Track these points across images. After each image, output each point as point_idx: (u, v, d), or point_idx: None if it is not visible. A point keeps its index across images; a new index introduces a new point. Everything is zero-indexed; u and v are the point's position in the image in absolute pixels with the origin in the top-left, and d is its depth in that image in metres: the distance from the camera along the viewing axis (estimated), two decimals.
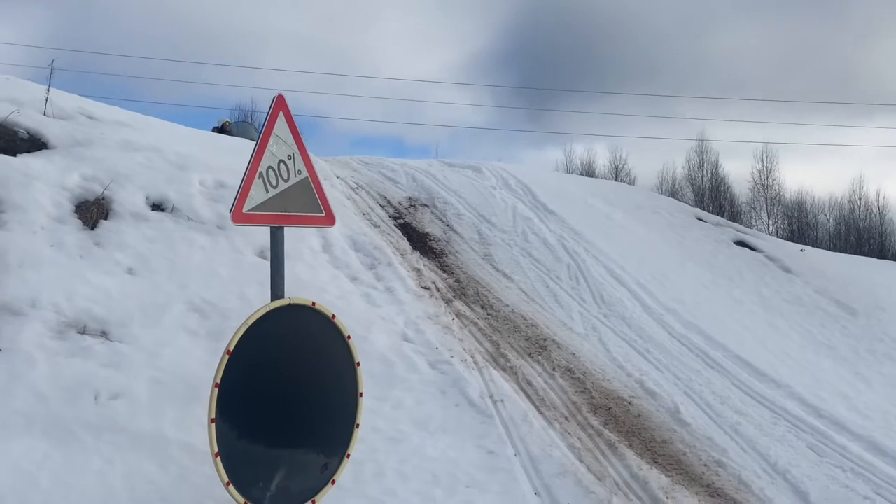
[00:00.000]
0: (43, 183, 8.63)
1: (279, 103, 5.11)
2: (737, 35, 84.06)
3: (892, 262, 22.22)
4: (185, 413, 6.23)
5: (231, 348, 4.57)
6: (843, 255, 21.72)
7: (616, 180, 51.47)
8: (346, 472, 6.03)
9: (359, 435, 6.55)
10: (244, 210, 4.90)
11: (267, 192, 5.03)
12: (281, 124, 5.12)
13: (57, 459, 5.52)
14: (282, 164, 5.13)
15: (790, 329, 11.34)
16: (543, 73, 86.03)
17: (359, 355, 7.85)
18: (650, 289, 11.35)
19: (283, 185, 5.13)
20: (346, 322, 8.36)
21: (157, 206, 9.29)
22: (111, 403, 6.18)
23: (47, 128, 9.97)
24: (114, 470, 5.51)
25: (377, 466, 6.26)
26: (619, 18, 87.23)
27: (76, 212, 8.58)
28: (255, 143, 5.08)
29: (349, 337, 5.34)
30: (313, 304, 5.18)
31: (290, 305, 5.02)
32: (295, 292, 8.63)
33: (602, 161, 60.94)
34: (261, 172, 4.99)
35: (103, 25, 76.61)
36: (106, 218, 8.72)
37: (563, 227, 13.45)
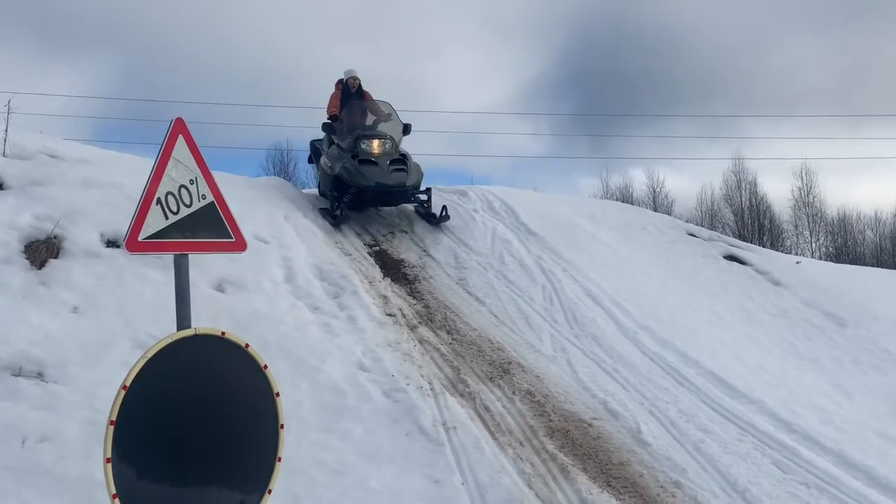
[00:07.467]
0: None
1: (177, 126, 4.92)
2: (797, 50, 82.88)
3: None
4: None
5: (127, 384, 4.37)
6: (842, 265, 21.33)
7: (654, 204, 51.27)
8: None
9: (300, 469, 6.39)
10: (140, 238, 4.71)
11: (167, 218, 4.83)
12: (181, 148, 4.93)
13: None
14: (183, 190, 4.93)
15: (771, 342, 11.04)
16: (600, 99, 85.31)
17: (310, 386, 7.74)
18: (626, 307, 11.05)
19: (185, 211, 4.93)
20: (301, 353, 8.24)
21: (112, 243, 9.12)
22: (38, 446, 5.98)
23: (2, 168, 9.84)
24: None
25: (316, 501, 6.03)
26: (676, 39, 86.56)
27: (24, 252, 8.43)
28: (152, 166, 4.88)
29: (266, 366, 5.09)
30: (223, 333, 4.95)
31: (195, 336, 4.80)
32: (249, 324, 8.49)
33: (639, 185, 60.17)
34: (158, 198, 4.79)
35: (168, 73, 76.51)
36: (56, 257, 8.56)
37: (543, 247, 13.18)
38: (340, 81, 15.23)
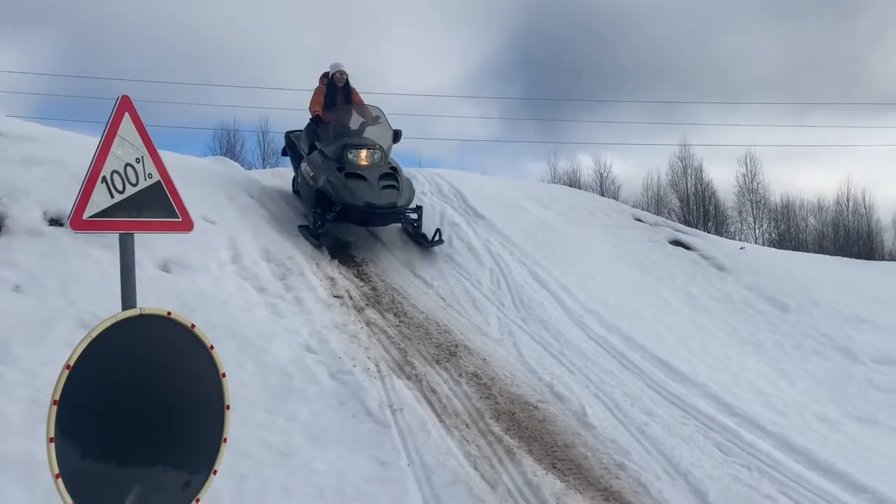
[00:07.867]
0: None
1: (124, 104, 4.83)
2: (744, 39, 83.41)
3: (844, 259, 21.97)
4: None
5: (71, 363, 4.31)
6: (785, 252, 21.68)
7: (601, 188, 51.66)
8: (226, 490, 5.81)
9: (246, 450, 6.37)
10: (84, 217, 4.63)
11: (112, 197, 4.75)
12: (127, 126, 4.84)
13: None
14: (129, 168, 4.85)
15: (714, 327, 11.19)
16: (549, 84, 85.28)
17: (257, 367, 7.70)
18: (573, 291, 11.15)
19: (131, 190, 4.86)
20: (248, 334, 8.19)
21: (55, 221, 8.99)
22: None
23: None
24: None
25: (261, 482, 6.02)
26: (625, 25, 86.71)
27: None
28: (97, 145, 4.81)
29: (212, 347, 5.05)
30: (169, 313, 4.89)
31: (141, 316, 4.74)
32: (195, 305, 8.42)
33: (587, 170, 60.66)
34: (104, 177, 4.71)
35: (113, 50, 74.71)
36: None
37: (491, 231, 13.23)
38: (325, 76, 13.59)
